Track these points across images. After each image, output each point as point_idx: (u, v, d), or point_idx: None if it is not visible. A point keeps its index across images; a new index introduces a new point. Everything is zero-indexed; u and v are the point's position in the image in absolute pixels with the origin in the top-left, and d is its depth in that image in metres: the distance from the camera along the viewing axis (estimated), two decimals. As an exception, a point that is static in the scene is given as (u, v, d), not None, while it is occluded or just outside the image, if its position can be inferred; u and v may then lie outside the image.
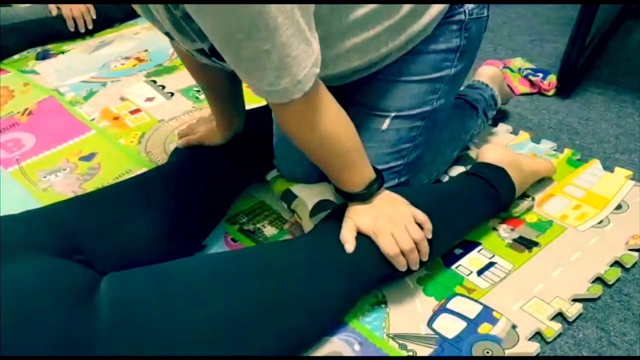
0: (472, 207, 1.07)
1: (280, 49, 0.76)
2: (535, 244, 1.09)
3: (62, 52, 1.90)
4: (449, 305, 0.99)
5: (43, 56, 1.87)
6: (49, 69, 1.79)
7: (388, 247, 0.91)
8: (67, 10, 1.91)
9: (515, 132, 1.39)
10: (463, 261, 1.07)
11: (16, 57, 1.87)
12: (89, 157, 1.41)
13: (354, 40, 0.96)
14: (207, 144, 1.18)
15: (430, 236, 0.94)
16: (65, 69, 1.79)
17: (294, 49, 0.77)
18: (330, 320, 0.94)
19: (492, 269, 1.05)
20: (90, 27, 1.96)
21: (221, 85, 1.15)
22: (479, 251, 1.08)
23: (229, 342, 0.82)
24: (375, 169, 0.97)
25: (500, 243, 1.10)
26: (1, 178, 1.34)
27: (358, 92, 1.08)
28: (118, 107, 1.58)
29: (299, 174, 1.18)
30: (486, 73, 1.38)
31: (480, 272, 1.04)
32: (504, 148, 1.17)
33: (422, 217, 0.95)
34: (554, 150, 1.32)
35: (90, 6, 1.95)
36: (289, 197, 1.19)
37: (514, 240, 1.10)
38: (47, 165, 1.38)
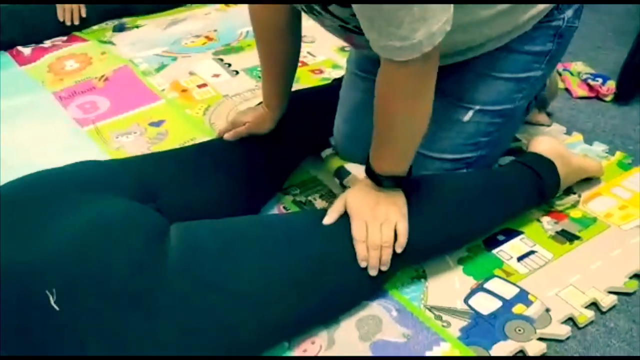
0: (515, 193, 1.11)
1: None
2: (577, 237, 1.12)
3: (137, 27, 2.01)
4: (487, 285, 1.03)
5: (120, 28, 1.99)
6: (125, 41, 1.91)
7: (359, 231, 0.93)
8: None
9: (569, 133, 1.41)
10: (504, 247, 1.10)
11: (95, 27, 1.99)
12: (158, 124, 1.50)
13: (464, 18, 0.97)
14: (256, 132, 1.17)
15: (399, 250, 0.95)
16: (140, 42, 1.90)
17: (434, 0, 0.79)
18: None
19: (532, 256, 1.08)
20: (76, 23, 1.92)
21: (285, 60, 1.18)
22: (520, 239, 1.12)
23: (289, 295, 0.89)
24: (409, 173, 0.98)
25: (543, 234, 1.13)
26: (78, 136, 1.46)
27: (446, 81, 1.09)
28: (187, 81, 1.68)
29: (357, 154, 1.23)
30: None
31: (520, 258, 1.08)
32: (554, 140, 1.20)
33: (402, 229, 0.95)
34: (606, 152, 1.34)
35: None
36: (342, 173, 1.25)
37: (557, 232, 1.13)
38: (120, 128, 1.49)
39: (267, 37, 1.15)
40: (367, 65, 1.19)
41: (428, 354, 0.92)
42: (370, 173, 0.97)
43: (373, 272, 0.94)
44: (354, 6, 0.82)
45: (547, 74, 1.14)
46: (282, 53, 1.16)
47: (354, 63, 1.24)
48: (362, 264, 0.93)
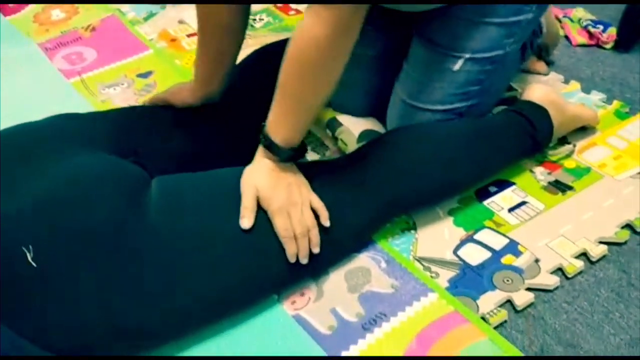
0: (506, 142, 1.09)
1: None
2: (570, 188, 1.10)
3: (126, -25, 1.94)
4: (476, 236, 1.02)
5: (107, -23, 1.93)
6: (113, -10, 1.85)
7: (283, 227, 0.88)
8: None
9: (566, 82, 1.38)
10: (496, 198, 1.09)
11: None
12: (146, 75, 1.47)
13: None
14: (172, 101, 1.09)
15: (327, 223, 0.91)
16: (128, -10, 1.84)
17: None
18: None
19: (523, 207, 1.07)
20: None
21: (226, 52, 1.07)
22: (512, 190, 1.10)
23: (272, 247, 0.88)
24: (303, 144, 0.94)
25: (535, 184, 1.11)
26: (64, 88, 1.43)
27: (434, 30, 1.07)
28: (176, 30, 1.63)
29: (347, 104, 1.21)
30: None
31: (511, 209, 1.07)
32: (548, 87, 1.17)
33: (317, 204, 0.92)
34: (603, 101, 1.31)
35: None
36: (334, 124, 1.23)
37: (549, 183, 1.11)
38: (107, 79, 1.45)
39: (210, 31, 1.05)
40: None
41: (415, 304, 0.92)
42: (267, 143, 0.90)
43: (305, 260, 0.90)
44: None
45: (539, 16, 1.10)
46: (223, 47, 1.06)
47: None
48: (293, 259, 0.89)
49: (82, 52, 1.55)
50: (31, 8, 1.73)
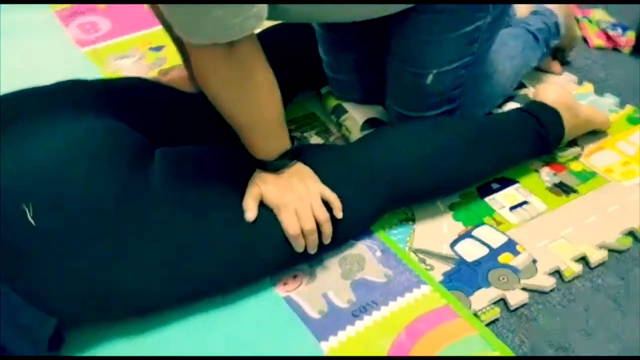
0: (514, 141, 1.08)
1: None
2: (574, 191, 1.09)
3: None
4: (475, 232, 1.01)
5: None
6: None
7: (290, 225, 0.87)
8: None
9: (579, 83, 1.36)
10: (498, 195, 1.08)
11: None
12: (157, 49, 1.47)
13: None
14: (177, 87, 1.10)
15: (340, 215, 0.90)
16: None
17: None
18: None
19: (525, 206, 1.06)
20: None
21: None
22: (515, 189, 1.09)
23: (274, 231, 0.88)
24: (292, 140, 0.93)
25: (540, 185, 1.10)
26: (76, 56, 1.43)
27: (399, 47, 1.06)
28: (191, 6, 1.63)
29: (350, 94, 1.20)
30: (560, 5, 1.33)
31: (512, 208, 1.05)
32: (562, 89, 1.15)
33: (330, 195, 0.90)
34: (616, 105, 1.29)
35: None
36: (339, 111, 1.22)
37: (554, 184, 1.10)
38: (119, 50, 1.46)
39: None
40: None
41: (407, 295, 0.91)
42: (261, 164, 0.91)
43: (313, 252, 0.90)
44: None
45: (505, 9, 1.06)
46: None
47: None
48: (300, 251, 0.89)
49: (97, 22, 1.56)
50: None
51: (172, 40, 1.11)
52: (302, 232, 0.88)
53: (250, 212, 0.87)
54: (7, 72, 1.34)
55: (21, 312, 0.74)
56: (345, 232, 0.95)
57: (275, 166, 0.90)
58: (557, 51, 1.38)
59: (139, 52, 1.45)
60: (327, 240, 0.91)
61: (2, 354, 0.73)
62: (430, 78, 1.04)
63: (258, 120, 0.88)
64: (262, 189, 0.89)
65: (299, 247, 0.89)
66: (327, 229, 0.90)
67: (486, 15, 1.01)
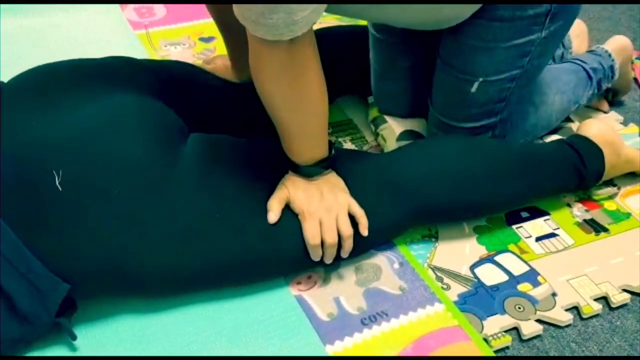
0: (553, 174, 1.06)
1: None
2: (605, 230, 1.06)
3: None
4: (497, 258, 1.00)
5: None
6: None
7: (312, 234, 0.87)
8: None
9: (625, 123, 1.33)
10: (526, 224, 1.06)
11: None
12: (208, 40, 1.50)
13: None
14: (220, 75, 1.13)
15: (365, 233, 0.89)
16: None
17: None
18: None
19: (552, 238, 1.04)
20: None
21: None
22: (545, 220, 1.07)
23: (295, 229, 0.89)
24: (331, 149, 0.92)
25: (570, 219, 1.08)
26: (128, 37, 1.47)
27: (448, 53, 1.06)
28: (246, 3, 1.65)
29: (392, 110, 1.20)
30: (615, 42, 1.31)
31: (539, 239, 1.04)
32: (606, 125, 1.13)
33: (358, 210, 0.90)
34: (660, 150, 1.26)
35: None
36: (379, 121, 1.22)
37: (585, 220, 1.08)
38: (171, 36, 1.49)
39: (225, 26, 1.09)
40: (379, 25, 1.14)
41: (420, 310, 0.90)
42: (294, 167, 0.90)
43: (329, 262, 0.90)
44: None
45: (560, 30, 1.04)
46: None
47: (369, 22, 1.18)
48: (316, 260, 0.89)
49: (153, 7, 1.60)
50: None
51: (219, 30, 1.13)
52: (323, 242, 0.88)
53: (274, 214, 0.87)
54: (63, 41, 1.40)
55: (36, 273, 0.76)
56: (366, 244, 0.94)
57: (308, 172, 0.90)
58: (608, 91, 1.36)
59: (190, 40, 1.48)
60: (345, 254, 0.91)
61: (8, 304, 0.75)
62: (476, 86, 1.03)
63: (303, 121, 0.87)
64: (291, 193, 0.89)
65: (316, 256, 0.89)
66: (349, 245, 0.90)
67: (541, 30, 1.00)
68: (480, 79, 1.03)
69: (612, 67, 1.28)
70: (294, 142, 0.89)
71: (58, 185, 0.77)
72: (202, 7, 1.60)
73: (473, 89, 1.04)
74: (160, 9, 1.59)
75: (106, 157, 0.81)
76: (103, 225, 0.79)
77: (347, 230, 0.88)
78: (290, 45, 0.79)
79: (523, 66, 1.03)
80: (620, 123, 1.33)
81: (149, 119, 0.87)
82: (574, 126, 1.26)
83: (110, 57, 1.00)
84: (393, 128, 1.19)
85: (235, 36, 1.09)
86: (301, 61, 0.81)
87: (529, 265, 0.99)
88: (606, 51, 1.29)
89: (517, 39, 1.00)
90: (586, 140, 1.09)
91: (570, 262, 1.00)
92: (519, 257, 1.00)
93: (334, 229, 0.88)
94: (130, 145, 0.83)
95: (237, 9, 0.76)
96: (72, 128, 0.82)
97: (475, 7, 0.97)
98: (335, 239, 0.88)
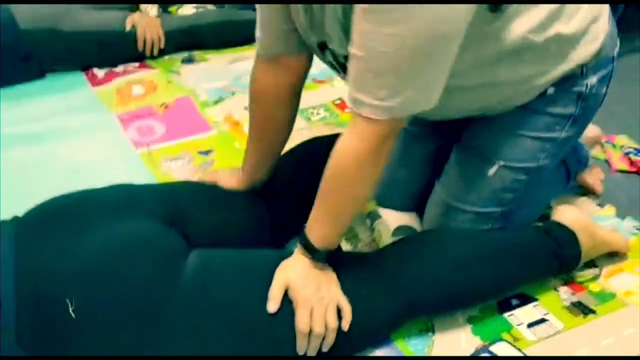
0: (530, 259, 1.12)
1: (439, 74, 0.85)
2: (592, 311, 1.12)
3: (205, 60, 2.12)
4: (492, 348, 1.05)
5: (188, 60, 2.11)
6: (190, 73, 2.02)
7: (302, 321, 0.92)
8: (140, 30, 2.00)
9: (601, 205, 1.41)
10: (517, 311, 1.12)
11: (166, 57, 2.12)
12: (206, 152, 1.60)
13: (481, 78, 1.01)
14: (221, 185, 1.19)
15: (346, 328, 0.94)
16: (204, 74, 2.01)
17: (444, 76, 0.85)
18: None
19: (542, 324, 1.09)
20: (155, 54, 2.05)
21: (277, 130, 1.16)
22: (534, 306, 1.13)
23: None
24: (339, 247, 1.00)
25: (558, 303, 1.13)
26: (131, 156, 1.57)
27: (472, 136, 1.15)
28: (240, 115, 1.77)
29: (393, 200, 1.28)
30: (587, 132, 1.37)
31: (530, 325, 1.09)
32: (578, 211, 1.21)
33: (346, 306, 0.95)
34: (637, 229, 1.33)
35: (162, 35, 2.05)
36: (374, 216, 1.30)
37: (572, 303, 1.13)
38: (171, 153, 1.59)
39: (265, 102, 1.13)
40: None
41: (422, 406, 0.94)
42: (310, 248, 0.96)
43: (312, 354, 0.94)
44: (354, 46, 0.82)
45: (574, 137, 1.15)
46: (277, 122, 1.14)
47: None
48: (301, 353, 0.94)
49: (153, 126, 1.71)
50: (115, 82, 1.92)
51: (253, 131, 1.17)
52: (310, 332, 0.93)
53: (274, 303, 0.93)
54: (69, 166, 1.50)
55: None
56: (355, 337, 0.98)
57: (317, 254, 0.96)
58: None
59: (189, 154, 1.59)
60: (325, 348, 0.95)
61: None
62: (494, 169, 1.11)
63: (350, 209, 0.95)
64: (291, 278, 0.94)
65: (301, 345, 0.93)
66: (331, 338, 0.94)
67: (562, 130, 1.10)
68: (502, 163, 1.11)
69: (587, 158, 1.38)
70: (326, 225, 0.95)
71: (71, 313, 0.84)
72: (200, 123, 1.73)
73: (491, 172, 1.11)
74: (160, 127, 1.70)
75: (111, 287, 0.89)
76: (113, 352, 0.86)
77: (333, 322, 0.94)
78: (392, 121, 0.86)
79: (539, 160, 1.12)
80: (597, 204, 1.41)
81: (147, 244, 0.95)
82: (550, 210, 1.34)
83: (113, 186, 1.09)
84: (388, 223, 1.27)
85: (266, 141, 1.17)
86: (389, 138, 0.89)
87: (523, 353, 1.03)
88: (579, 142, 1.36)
89: (541, 132, 1.10)
90: (560, 226, 1.17)
91: (562, 346, 1.05)
92: (513, 345, 1.05)
93: (322, 320, 0.93)
94: (130, 275, 0.91)
95: (352, 92, 0.85)
96: (79, 259, 0.90)
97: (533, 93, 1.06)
98: (323, 330, 0.93)
